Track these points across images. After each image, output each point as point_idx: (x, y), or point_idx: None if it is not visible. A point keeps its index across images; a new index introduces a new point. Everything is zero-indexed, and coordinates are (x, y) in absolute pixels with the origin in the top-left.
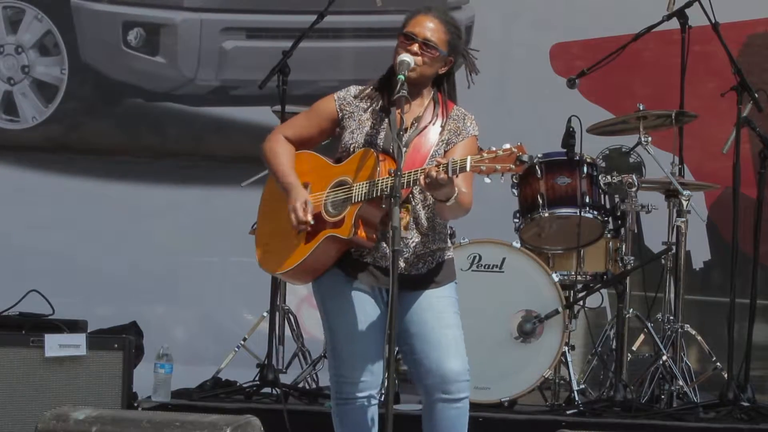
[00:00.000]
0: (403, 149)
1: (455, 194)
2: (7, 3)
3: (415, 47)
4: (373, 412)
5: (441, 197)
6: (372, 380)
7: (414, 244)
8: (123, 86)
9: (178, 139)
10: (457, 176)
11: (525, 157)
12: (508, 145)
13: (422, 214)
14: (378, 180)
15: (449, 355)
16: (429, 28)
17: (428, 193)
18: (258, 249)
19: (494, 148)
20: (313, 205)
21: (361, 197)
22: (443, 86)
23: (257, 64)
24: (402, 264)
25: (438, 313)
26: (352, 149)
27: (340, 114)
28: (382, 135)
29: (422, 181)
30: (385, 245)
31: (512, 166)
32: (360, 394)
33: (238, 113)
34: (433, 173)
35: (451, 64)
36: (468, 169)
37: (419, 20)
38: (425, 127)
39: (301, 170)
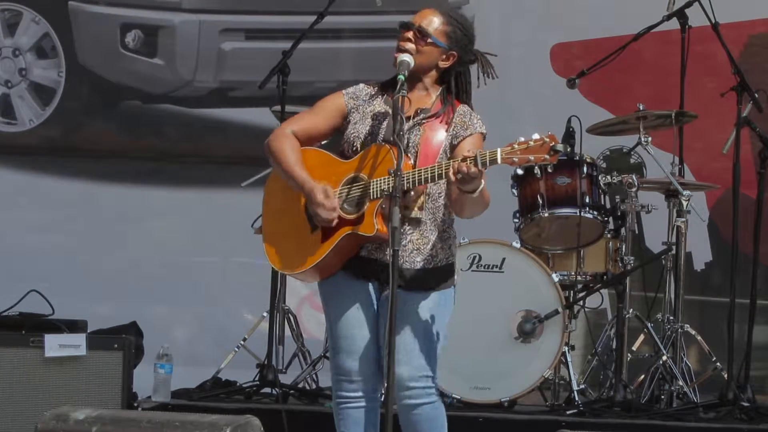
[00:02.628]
0: (406, 136)
1: (482, 185)
2: (4, 6)
3: (410, 34)
4: (374, 411)
5: (469, 189)
6: (373, 380)
7: (412, 232)
8: (121, 88)
9: (177, 140)
10: (486, 168)
11: (559, 147)
12: (537, 135)
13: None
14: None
15: (400, 362)
16: (426, 17)
17: (432, 187)
18: (268, 249)
19: (523, 139)
20: None
21: (379, 193)
22: (451, 85)
23: (256, 65)
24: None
25: (407, 316)
26: (352, 141)
27: (348, 107)
28: (382, 128)
29: (453, 177)
30: None
31: (547, 157)
32: (360, 394)
33: (237, 114)
34: (465, 168)
35: (454, 58)
36: (499, 161)
37: (420, 12)
38: (430, 119)
39: (307, 167)
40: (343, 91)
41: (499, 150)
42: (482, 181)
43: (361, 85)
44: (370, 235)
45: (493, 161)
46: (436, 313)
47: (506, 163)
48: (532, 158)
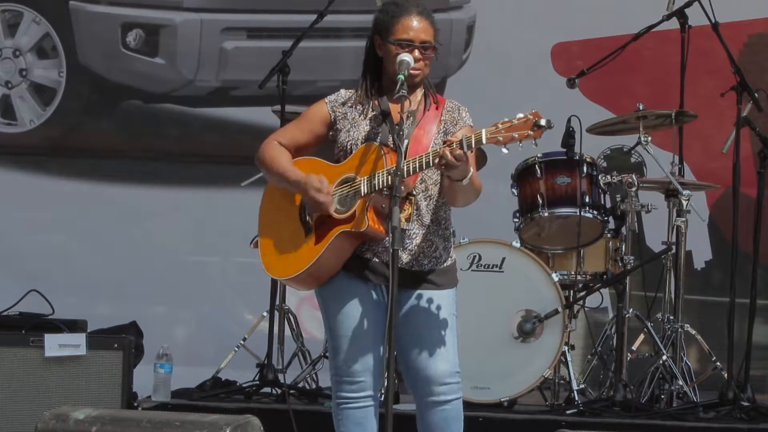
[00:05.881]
0: (405, 141)
1: (471, 173)
2: (5, 6)
3: (417, 53)
4: (374, 412)
5: (457, 176)
6: (372, 380)
7: (416, 235)
8: (121, 88)
9: (177, 139)
10: (472, 151)
11: (543, 122)
12: (521, 114)
13: (424, 204)
14: (385, 170)
15: (436, 358)
16: (422, 29)
17: (431, 186)
18: (264, 258)
19: (507, 119)
20: None
21: (369, 189)
22: (428, 78)
23: (258, 64)
24: (404, 257)
25: (431, 314)
26: (349, 147)
27: (333, 116)
28: (379, 131)
29: (437, 162)
30: (388, 238)
31: (530, 132)
32: (360, 394)
33: (237, 114)
34: (448, 152)
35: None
36: (484, 141)
37: (408, 24)
38: (421, 119)
39: None
40: (326, 100)
41: (483, 130)
42: (470, 168)
43: (342, 91)
44: (362, 230)
45: (479, 141)
46: (454, 311)
47: (491, 142)
48: (516, 135)
